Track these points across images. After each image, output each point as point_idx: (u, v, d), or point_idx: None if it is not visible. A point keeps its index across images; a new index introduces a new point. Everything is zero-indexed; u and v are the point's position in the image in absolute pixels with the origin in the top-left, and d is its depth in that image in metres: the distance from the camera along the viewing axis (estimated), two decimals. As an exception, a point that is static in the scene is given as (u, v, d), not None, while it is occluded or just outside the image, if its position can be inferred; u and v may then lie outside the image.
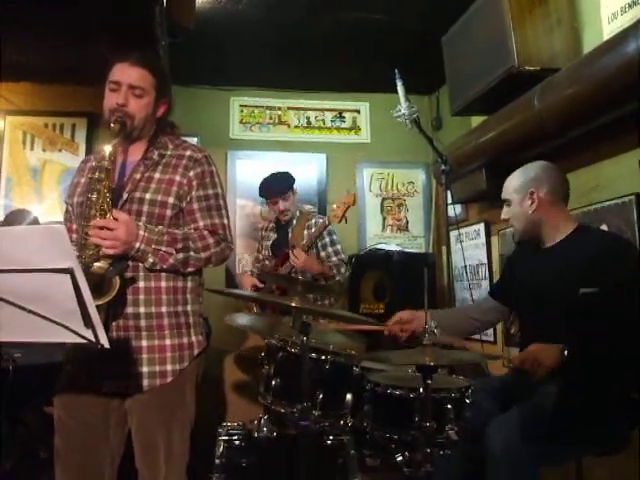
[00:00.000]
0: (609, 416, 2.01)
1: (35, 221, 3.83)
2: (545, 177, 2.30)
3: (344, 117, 4.98)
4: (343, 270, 3.45)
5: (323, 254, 3.53)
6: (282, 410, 2.31)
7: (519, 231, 2.39)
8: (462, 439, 2.05)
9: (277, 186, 3.69)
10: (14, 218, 3.83)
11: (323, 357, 2.32)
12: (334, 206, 3.41)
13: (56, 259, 1.21)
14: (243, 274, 3.88)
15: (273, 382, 2.34)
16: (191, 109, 4.58)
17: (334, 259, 3.51)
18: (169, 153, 2.01)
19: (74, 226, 2.01)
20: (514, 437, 1.97)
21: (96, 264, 1.76)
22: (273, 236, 3.81)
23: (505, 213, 2.40)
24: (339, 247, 3.60)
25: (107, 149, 1.82)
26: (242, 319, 2.68)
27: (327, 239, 3.59)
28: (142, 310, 1.88)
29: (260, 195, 3.82)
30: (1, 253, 1.23)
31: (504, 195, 2.40)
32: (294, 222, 3.70)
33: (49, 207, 4.37)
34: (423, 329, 1.92)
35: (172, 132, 2.11)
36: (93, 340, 1.35)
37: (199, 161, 2.01)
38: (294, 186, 3.70)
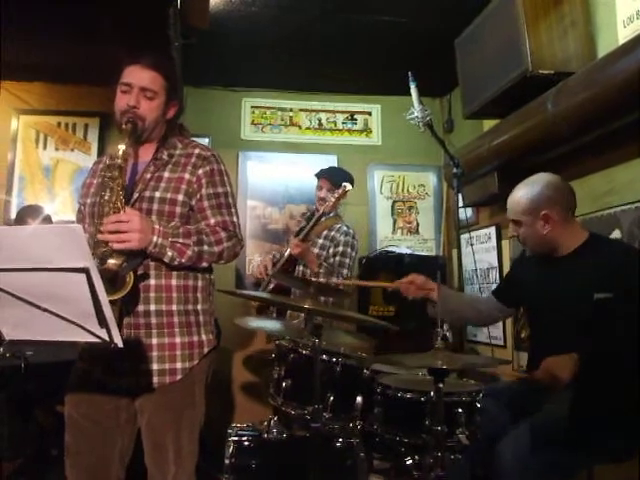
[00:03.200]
0: (622, 424, 1.99)
1: (48, 218, 3.85)
2: (555, 195, 2.25)
3: (355, 119, 4.97)
4: (334, 278, 3.36)
5: (331, 260, 3.50)
6: (292, 412, 2.31)
7: (531, 249, 2.37)
8: (472, 444, 2.05)
9: (330, 172, 3.75)
10: (26, 213, 3.86)
11: (334, 359, 2.32)
12: (333, 195, 3.43)
13: (72, 258, 1.21)
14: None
15: (283, 384, 2.34)
16: (203, 110, 4.59)
17: (333, 262, 3.45)
18: (178, 152, 2.04)
19: (86, 226, 2.03)
20: (525, 452, 1.96)
21: (110, 261, 1.77)
22: (302, 224, 3.77)
23: (514, 231, 2.37)
24: (347, 262, 3.50)
25: (120, 148, 1.85)
26: (254, 322, 2.70)
27: (341, 248, 3.52)
28: (153, 308, 1.90)
29: (316, 174, 3.80)
30: (18, 251, 1.24)
31: (512, 216, 2.35)
32: (323, 219, 3.62)
33: (61, 206, 4.40)
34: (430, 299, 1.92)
35: (181, 133, 2.14)
36: (107, 340, 1.36)
37: (207, 159, 2.03)
38: (341, 186, 3.52)
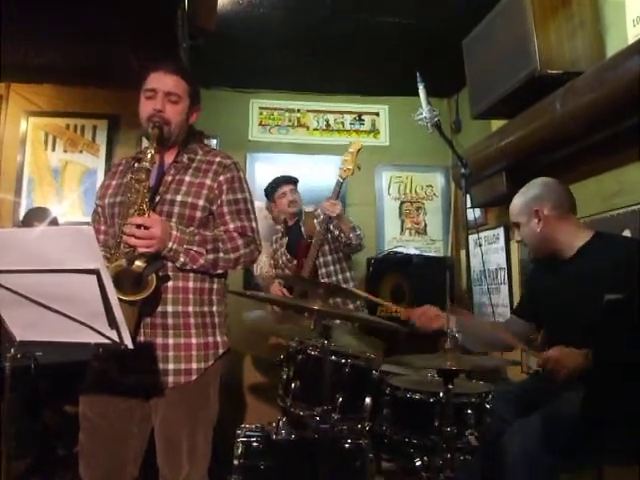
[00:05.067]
0: (633, 424, 1.98)
1: (54, 221, 3.86)
2: (546, 193, 2.34)
3: (363, 120, 4.96)
4: (359, 232, 3.52)
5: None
6: (301, 413, 2.31)
7: (533, 250, 2.44)
8: (482, 446, 2.04)
9: (287, 177, 3.89)
10: (33, 216, 3.87)
11: (343, 360, 2.32)
12: (345, 158, 3.52)
13: (83, 260, 1.22)
14: (270, 284, 3.87)
15: (292, 385, 2.34)
16: (211, 111, 4.58)
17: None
18: (199, 158, 2.09)
19: (102, 227, 2.09)
20: (533, 442, 1.95)
21: (136, 263, 1.81)
22: (285, 240, 3.83)
23: (517, 235, 2.48)
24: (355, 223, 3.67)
25: (150, 151, 1.90)
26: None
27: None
28: (170, 309, 1.93)
29: (268, 188, 3.91)
30: (28, 252, 1.24)
31: (512, 219, 2.45)
32: (303, 218, 3.77)
33: (69, 207, 4.42)
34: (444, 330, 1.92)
35: (201, 139, 2.21)
36: (117, 341, 1.37)
37: (228, 167, 2.09)
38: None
